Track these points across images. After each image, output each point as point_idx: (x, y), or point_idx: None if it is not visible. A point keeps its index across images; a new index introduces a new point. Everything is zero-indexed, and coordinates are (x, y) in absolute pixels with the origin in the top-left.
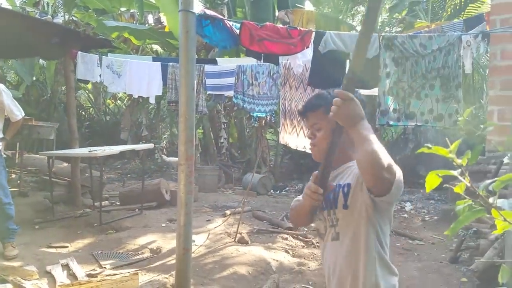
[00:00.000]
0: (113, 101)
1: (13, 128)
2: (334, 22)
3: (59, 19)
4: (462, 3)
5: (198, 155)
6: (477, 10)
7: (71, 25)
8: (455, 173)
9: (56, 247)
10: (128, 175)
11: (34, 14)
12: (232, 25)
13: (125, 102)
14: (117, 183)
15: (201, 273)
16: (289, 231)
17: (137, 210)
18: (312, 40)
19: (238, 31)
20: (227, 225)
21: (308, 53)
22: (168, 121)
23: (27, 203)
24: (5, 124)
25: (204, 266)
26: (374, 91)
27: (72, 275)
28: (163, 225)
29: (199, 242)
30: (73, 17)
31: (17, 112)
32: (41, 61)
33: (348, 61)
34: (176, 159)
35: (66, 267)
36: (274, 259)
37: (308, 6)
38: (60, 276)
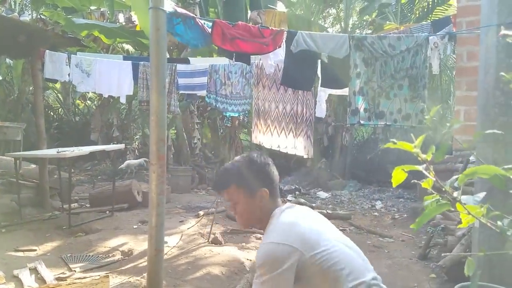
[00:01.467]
0: (82, 101)
1: None
2: (306, 23)
3: (26, 17)
4: (430, 6)
5: (171, 155)
6: (444, 12)
7: (39, 24)
8: (420, 167)
9: (23, 251)
10: (99, 177)
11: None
12: (204, 23)
13: (95, 102)
14: (87, 185)
15: (173, 275)
16: (263, 231)
17: (107, 212)
18: (284, 40)
19: (210, 30)
20: (201, 226)
21: (280, 53)
22: (140, 121)
23: None
24: None
25: (177, 267)
26: (345, 91)
27: (41, 279)
28: (134, 227)
29: (172, 243)
30: (41, 15)
31: None
32: (8, 60)
33: (319, 61)
34: (138, 161)
35: (34, 270)
36: (247, 259)
37: (280, 7)
38: (28, 280)
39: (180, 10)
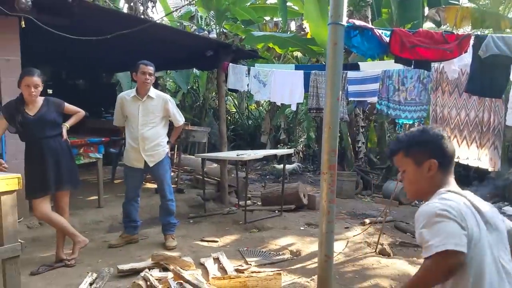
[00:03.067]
0: (256, 106)
1: (176, 132)
2: (493, 18)
3: (214, 34)
4: None
5: None
6: None
7: (221, 37)
8: None
9: (207, 241)
10: (267, 177)
11: (189, 27)
12: (382, 33)
13: (265, 107)
14: (257, 183)
15: (341, 281)
16: None
17: (276, 211)
18: (471, 45)
19: (387, 39)
20: (367, 235)
21: (466, 57)
22: (305, 125)
23: (183, 199)
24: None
25: (344, 274)
26: None
27: (222, 269)
28: (301, 228)
29: (337, 249)
30: (223, 29)
31: (180, 118)
32: (194, 70)
33: None
34: (292, 166)
35: (216, 260)
36: None
37: (462, 1)
38: (212, 268)
39: (358, 22)
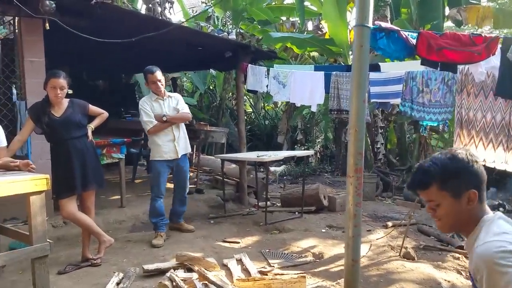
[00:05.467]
0: (274, 106)
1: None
2: None
3: (233, 35)
4: None
5: None
6: None
7: (238, 37)
8: None
9: (229, 242)
10: (284, 177)
11: (206, 28)
12: (408, 35)
13: (281, 107)
14: (274, 184)
15: (365, 285)
16: (461, 250)
17: (296, 213)
18: (499, 47)
19: (414, 41)
20: (390, 238)
21: (493, 59)
22: (323, 125)
23: (202, 199)
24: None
25: (369, 278)
26: None
27: (245, 270)
28: (323, 230)
29: (361, 252)
30: (240, 29)
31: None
32: (211, 70)
33: None
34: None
35: (239, 261)
36: (445, 280)
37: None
38: (236, 270)
39: (384, 24)
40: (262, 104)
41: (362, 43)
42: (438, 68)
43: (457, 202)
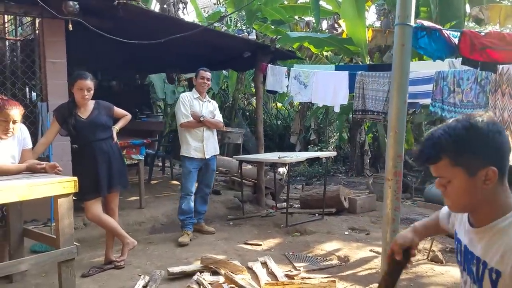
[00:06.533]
0: (288, 107)
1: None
2: None
3: (253, 35)
4: None
5: (367, 161)
6: None
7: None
8: None
9: (251, 244)
10: (298, 178)
11: (220, 28)
12: (450, 34)
13: (294, 107)
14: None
15: None
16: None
17: (316, 214)
18: None
19: (456, 41)
20: None
21: None
22: (336, 125)
23: (220, 200)
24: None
25: (398, 283)
26: None
27: (271, 274)
28: (345, 233)
29: None
30: (253, 29)
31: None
32: (223, 71)
33: None
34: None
35: (264, 264)
36: None
37: None
38: (262, 273)
39: (426, 23)
40: (275, 104)
41: (403, 42)
42: (478, 68)
43: (472, 181)
